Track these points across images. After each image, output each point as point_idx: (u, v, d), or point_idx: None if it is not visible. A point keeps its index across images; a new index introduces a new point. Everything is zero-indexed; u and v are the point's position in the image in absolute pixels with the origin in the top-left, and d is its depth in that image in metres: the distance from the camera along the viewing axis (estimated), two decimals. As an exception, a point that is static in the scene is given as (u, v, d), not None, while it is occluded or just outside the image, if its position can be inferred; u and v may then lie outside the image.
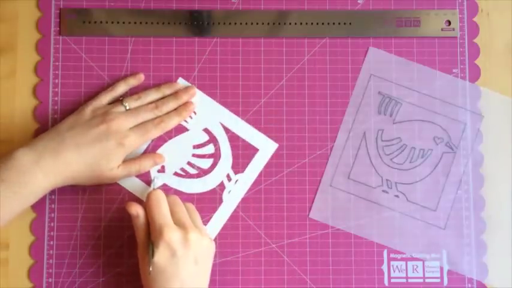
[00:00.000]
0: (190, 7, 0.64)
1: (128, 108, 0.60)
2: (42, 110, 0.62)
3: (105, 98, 0.61)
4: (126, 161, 0.59)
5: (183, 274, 0.54)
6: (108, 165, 0.57)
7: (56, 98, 0.62)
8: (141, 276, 0.55)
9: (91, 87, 0.63)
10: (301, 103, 0.64)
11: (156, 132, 0.60)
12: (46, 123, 0.62)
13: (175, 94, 0.62)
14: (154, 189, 0.59)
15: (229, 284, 0.61)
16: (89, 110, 0.59)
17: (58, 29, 0.63)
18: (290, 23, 0.64)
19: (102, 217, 0.61)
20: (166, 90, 0.62)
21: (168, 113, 0.61)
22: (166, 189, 0.62)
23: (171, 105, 0.61)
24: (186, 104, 0.62)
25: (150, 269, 0.53)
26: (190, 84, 0.63)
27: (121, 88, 0.62)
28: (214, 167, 0.63)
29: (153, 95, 0.61)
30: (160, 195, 0.57)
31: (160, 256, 0.53)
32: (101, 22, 0.63)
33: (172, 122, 0.61)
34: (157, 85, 0.62)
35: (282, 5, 0.65)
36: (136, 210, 0.56)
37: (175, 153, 0.63)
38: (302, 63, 0.64)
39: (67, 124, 0.58)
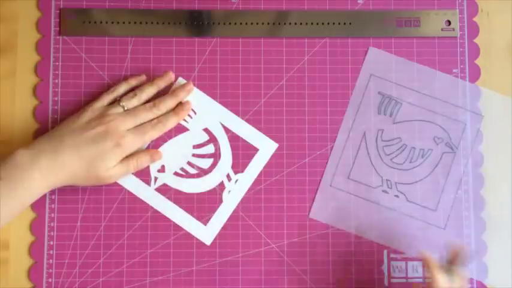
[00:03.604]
0: (190, 7, 0.64)
1: (125, 108, 0.60)
2: (42, 110, 0.62)
3: (106, 99, 0.61)
4: (124, 158, 0.59)
5: None
6: (105, 165, 0.57)
7: (56, 98, 0.62)
8: None
9: (91, 87, 0.63)
10: (301, 103, 0.64)
11: (154, 133, 0.60)
12: (46, 124, 0.62)
13: (172, 92, 0.62)
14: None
15: (229, 284, 0.61)
16: (89, 111, 0.59)
17: (58, 29, 0.63)
18: (290, 23, 0.64)
19: (102, 217, 0.61)
20: (160, 83, 0.61)
21: (166, 113, 0.61)
22: (166, 189, 0.62)
23: (169, 103, 0.61)
24: (183, 104, 0.62)
25: None
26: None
27: (122, 89, 0.61)
28: (214, 166, 0.63)
29: (148, 90, 0.61)
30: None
31: None
32: (101, 22, 0.63)
33: (170, 123, 0.61)
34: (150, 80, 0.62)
35: (282, 5, 0.65)
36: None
37: (176, 153, 0.63)
38: (302, 63, 0.64)
39: (67, 125, 0.58)
